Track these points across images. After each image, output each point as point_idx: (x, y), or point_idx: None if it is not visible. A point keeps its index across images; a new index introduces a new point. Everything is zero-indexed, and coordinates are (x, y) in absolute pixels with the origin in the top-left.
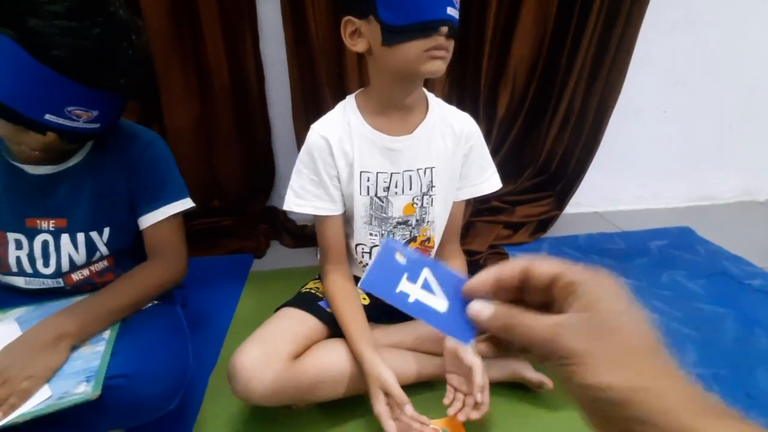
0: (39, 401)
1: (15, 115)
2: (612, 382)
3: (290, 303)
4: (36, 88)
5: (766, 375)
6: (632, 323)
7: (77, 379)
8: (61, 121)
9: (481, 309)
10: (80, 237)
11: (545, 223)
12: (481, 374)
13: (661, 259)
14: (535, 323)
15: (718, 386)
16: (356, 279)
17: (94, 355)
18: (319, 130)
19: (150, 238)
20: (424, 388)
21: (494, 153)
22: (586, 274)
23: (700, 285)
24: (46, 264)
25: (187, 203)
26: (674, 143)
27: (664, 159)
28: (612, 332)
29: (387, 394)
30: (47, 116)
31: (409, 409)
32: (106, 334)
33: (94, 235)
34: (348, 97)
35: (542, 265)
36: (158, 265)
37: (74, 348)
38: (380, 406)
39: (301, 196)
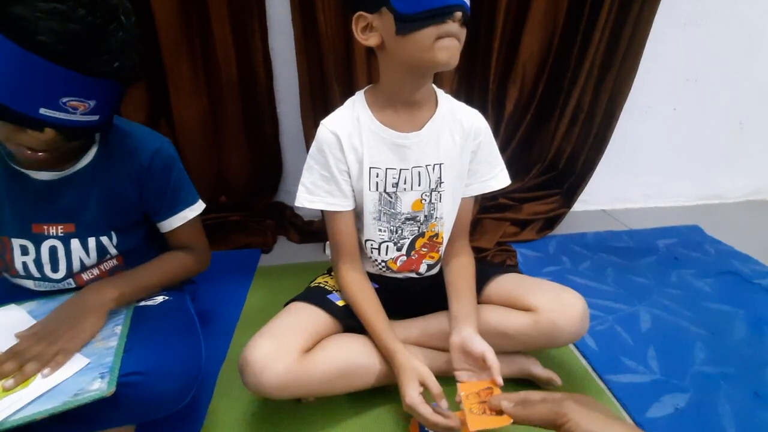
0: (77, 368)
1: (8, 112)
2: None
3: (299, 297)
4: (27, 80)
5: None
6: None
7: (91, 376)
8: (57, 114)
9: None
10: (91, 242)
11: (553, 221)
12: (495, 357)
13: (669, 257)
14: None
15: (726, 385)
16: (368, 275)
17: (107, 350)
18: (329, 125)
19: (172, 238)
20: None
21: (502, 150)
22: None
23: (709, 284)
24: (54, 269)
25: (200, 206)
26: (684, 141)
27: (674, 157)
28: None
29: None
30: (42, 110)
31: (444, 403)
32: (118, 329)
33: (104, 239)
34: (357, 93)
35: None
36: (187, 254)
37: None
38: (415, 393)
39: (313, 192)
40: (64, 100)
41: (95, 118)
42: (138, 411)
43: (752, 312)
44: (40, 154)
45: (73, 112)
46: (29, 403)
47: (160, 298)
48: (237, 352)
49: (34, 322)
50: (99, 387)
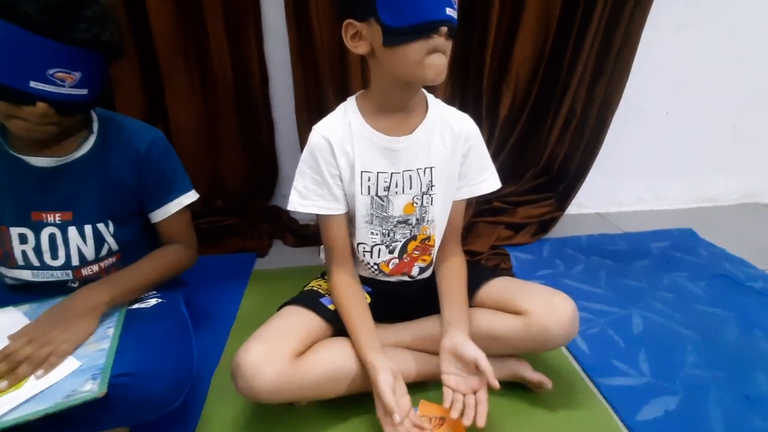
0: (69, 371)
1: (0, 88)
2: None
3: (293, 301)
4: (14, 54)
5: (766, 377)
6: None
7: (84, 377)
8: (46, 87)
9: None
10: (88, 229)
11: (547, 224)
12: (487, 362)
13: (662, 260)
14: None
15: (717, 388)
16: (360, 278)
17: (99, 352)
18: (320, 131)
19: (164, 229)
20: (426, 387)
21: (496, 154)
22: None
23: (701, 287)
24: (54, 256)
25: (194, 194)
26: (677, 144)
27: (667, 160)
28: None
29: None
30: (32, 84)
31: (396, 418)
32: (110, 331)
33: (101, 226)
34: (349, 99)
35: None
36: (176, 249)
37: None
38: (379, 411)
39: (305, 197)
40: (51, 71)
41: (84, 92)
42: (130, 412)
43: (743, 315)
44: (38, 133)
45: (62, 84)
46: (22, 404)
47: (153, 301)
48: (231, 356)
49: (29, 322)
50: (91, 388)
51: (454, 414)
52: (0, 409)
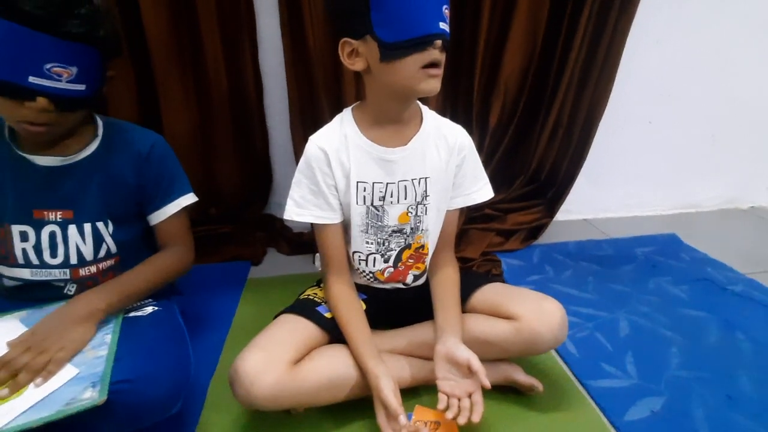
0: (67, 378)
1: (1, 84)
2: None
3: (289, 310)
4: (13, 50)
5: (747, 378)
6: None
7: (83, 385)
8: (45, 82)
9: None
10: (87, 227)
11: (536, 231)
12: (480, 363)
13: (647, 265)
14: None
15: (700, 389)
16: (355, 285)
17: (97, 360)
18: (317, 141)
19: (162, 231)
20: (419, 393)
21: (486, 162)
22: None
23: (685, 291)
24: (53, 255)
25: (193, 197)
26: (660, 153)
27: (651, 168)
28: None
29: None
30: (31, 79)
31: (402, 420)
32: (108, 338)
33: (100, 225)
34: (345, 110)
35: None
36: (172, 253)
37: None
38: (380, 417)
39: (302, 206)
40: (48, 66)
41: (81, 87)
42: (129, 418)
43: (724, 317)
44: (40, 128)
45: (59, 78)
46: (22, 413)
47: (149, 309)
48: (227, 364)
49: (26, 329)
50: (91, 395)
51: (449, 415)
52: (1, 420)
